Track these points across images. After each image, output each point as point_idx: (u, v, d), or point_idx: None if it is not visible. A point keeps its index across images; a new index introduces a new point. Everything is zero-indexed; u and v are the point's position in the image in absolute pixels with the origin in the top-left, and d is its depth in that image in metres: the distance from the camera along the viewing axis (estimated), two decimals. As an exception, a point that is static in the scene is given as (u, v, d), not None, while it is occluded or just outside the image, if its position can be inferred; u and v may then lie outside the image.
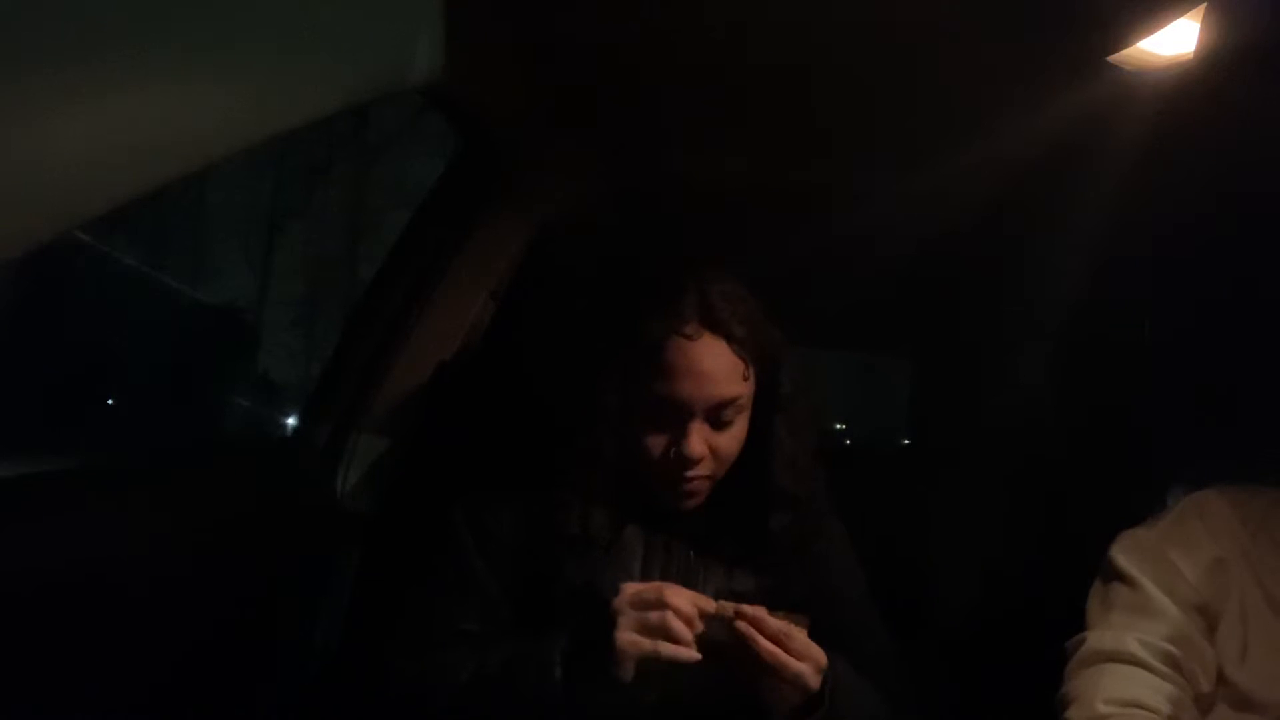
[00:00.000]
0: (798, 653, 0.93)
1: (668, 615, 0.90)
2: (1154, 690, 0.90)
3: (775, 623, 0.93)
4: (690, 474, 1.02)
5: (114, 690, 0.95)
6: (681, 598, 0.92)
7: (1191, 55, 1.02)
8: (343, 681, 1.29)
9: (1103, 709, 0.89)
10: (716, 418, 1.02)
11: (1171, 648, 0.93)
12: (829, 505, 1.18)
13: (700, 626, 0.92)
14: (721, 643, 0.93)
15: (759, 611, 0.94)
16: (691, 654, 0.90)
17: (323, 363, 1.67)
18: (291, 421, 9.38)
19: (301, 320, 11.65)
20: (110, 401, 8.82)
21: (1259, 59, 1.00)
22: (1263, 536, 0.99)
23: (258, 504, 1.26)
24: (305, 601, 1.37)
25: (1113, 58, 1.06)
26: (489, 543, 1.07)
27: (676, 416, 1.01)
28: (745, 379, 1.03)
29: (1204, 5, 0.94)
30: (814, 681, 0.95)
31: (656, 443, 1.02)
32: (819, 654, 0.95)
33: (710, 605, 0.94)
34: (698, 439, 1.01)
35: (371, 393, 1.46)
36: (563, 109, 1.37)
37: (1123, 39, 1.02)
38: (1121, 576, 1.00)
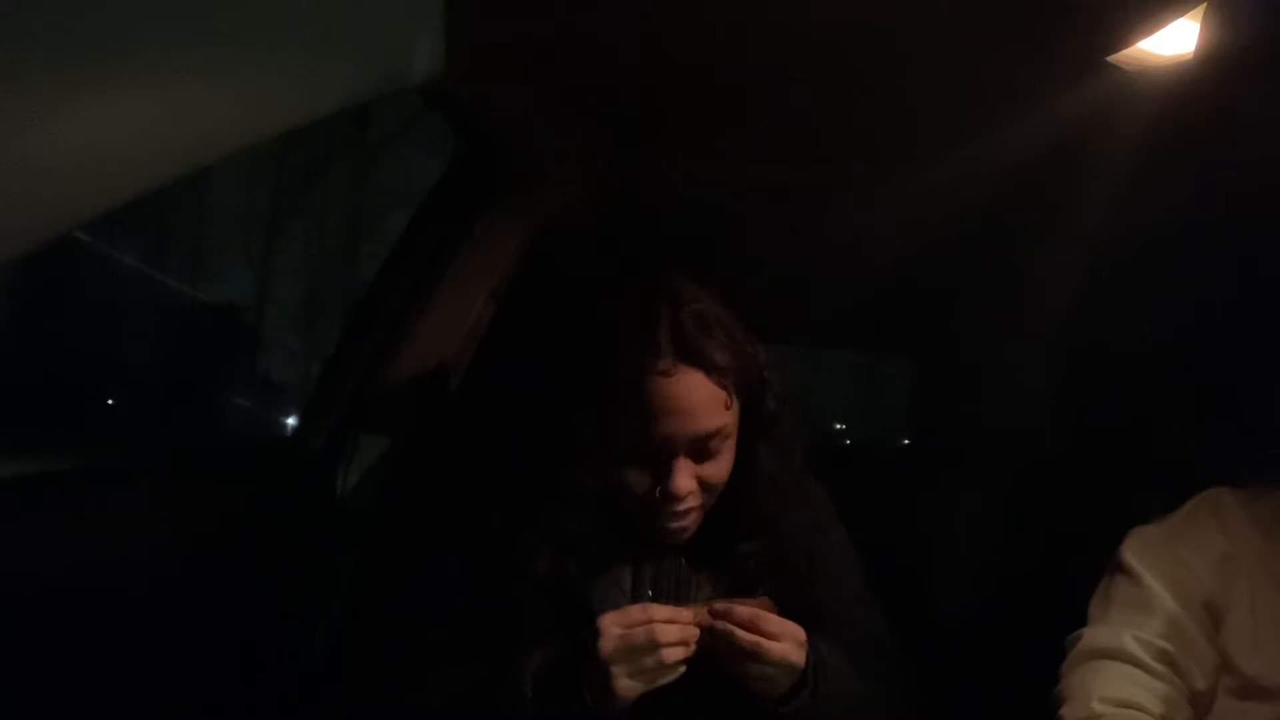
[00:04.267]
0: (774, 633, 0.93)
1: (663, 654, 0.90)
2: (1148, 690, 0.90)
3: (744, 610, 0.94)
4: (679, 509, 0.99)
5: (113, 690, 0.95)
6: (670, 631, 0.91)
7: (1191, 55, 1.02)
8: (340, 685, 1.29)
9: (1098, 708, 0.89)
10: (702, 450, 0.98)
11: (1167, 645, 0.93)
12: (822, 506, 1.17)
13: (694, 648, 0.92)
14: (702, 646, 0.93)
15: (725, 605, 0.94)
16: (679, 670, 0.92)
17: (323, 363, 1.66)
18: (291, 421, 9.39)
19: (301, 320, 11.65)
20: (110, 401, 8.83)
21: (1259, 59, 1.00)
22: (1275, 535, 0.99)
23: (257, 504, 1.26)
24: (304, 601, 1.37)
25: (1113, 58, 1.06)
26: (472, 564, 1.04)
27: (660, 455, 0.97)
28: (728, 407, 0.99)
29: (1204, 5, 0.94)
30: (798, 656, 0.95)
31: (641, 482, 0.99)
32: (795, 629, 0.95)
33: (688, 616, 0.93)
34: (683, 475, 0.97)
35: (371, 393, 1.46)
36: (563, 109, 1.37)
37: (1123, 39, 1.02)
38: (1125, 571, 1.00)
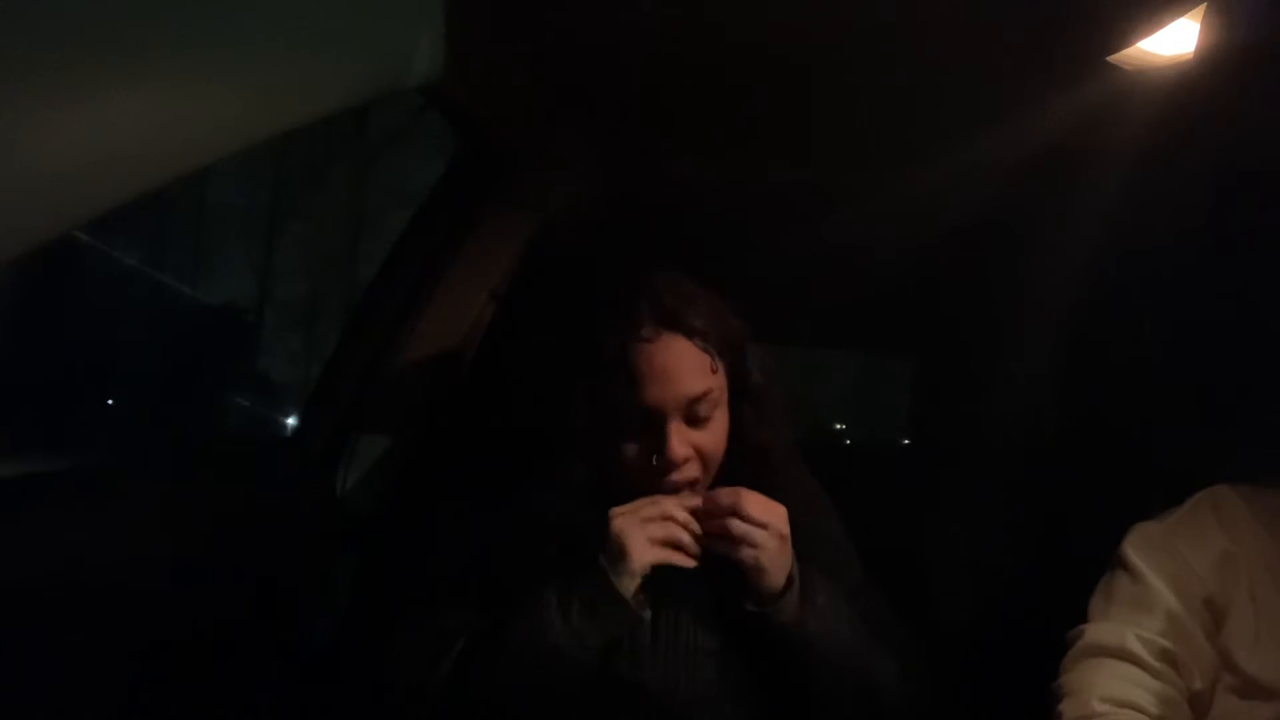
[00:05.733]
0: (763, 504, 0.98)
1: (674, 527, 0.95)
2: (1148, 690, 0.90)
3: (724, 491, 0.98)
4: (677, 478, 1.01)
5: (113, 690, 0.96)
6: (681, 510, 0.96)
7: (1191, 55, 1.02)
8: (341, 681, 1.29)
9: (1098, 707, 0.89)
10: (693, 415, 1.00)
11: (1169, 644, 0.93)
12: (818, 496, 1.18)
13: (699, 529, 0.96)
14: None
15: (710, 494, 0.99)
16: (691, 560, 0.96)
17: (323, 363, 1.66)
18: (291, 421, 9.39)
19: (301, 320, 11.65)
20: (110, 401, 8.83)
21: (1259, 59, 1.00)
22: (1278, 533, 0.99)
23: (257, 504, 1.26)
24: (305, 601, 1.37)
25: (1113, 58, 1.06)
26: (480, 546, 1.06)
27: (652, 422, 0.99)
28: (714, 371, 1.02)
29: (1204, 5, 0.94)
30: (785, 524, 0.98)
31: (637, 453, 1.01)
32: (776, 504, 0.99)
33: (696, 501, 0.98)
34: (678, 441, 0.99)
35: (371, 393, 1.46)
36: (563, 109, 1.37)
37: (1123, 39, 1.02)
38: (1126, 568, 1.00)
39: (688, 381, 0.99)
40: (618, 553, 0.93)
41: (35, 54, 0.43)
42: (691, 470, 1.02)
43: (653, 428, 0.99)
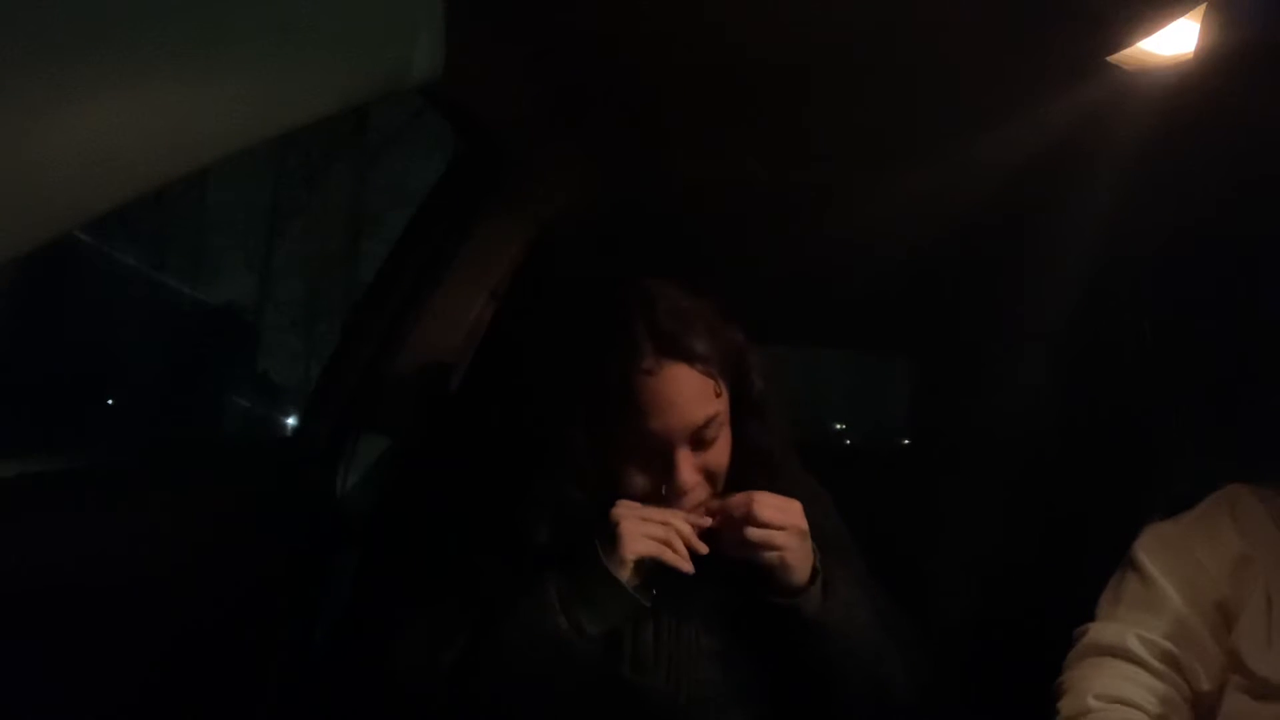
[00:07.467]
0: (777, 505, 0.97)
1: (670, 531, 0.94)
2: (1146, 689, 0.90)
3: (737, 500, 0.98)
4: (687, 506, 1.00)
5: (114, 689, 0.96)
6: (685, 525, 0.96)
7: (1191, 55, 1.02)
8: (342, 680, 1.29)
9: (1092, 704, 0.89)
10: (699, 439, 0.99)
11: (1171, 646, 0.93)
12: (816, 492, 1.17)
13: (704, 548, 0.96)
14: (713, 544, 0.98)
15: (722, 504, 0.98)
16: (689, 565, 0.95)
17: (323, 363, 1.66)
18: (291, 421, 9.40)
19: (301, 320, 11.65)
20: (110, 401, 8.83)
21: (1259, 59, 1.00)
22: None
23: (258, 504, 1.26)
24: (305, 601, 1.37)
25: (1113, 58, 1.06)
26: (478, 545, 1.06)
27: (660, 452, 0.98)
28: (718, 394, 1.00)
29: (1204, 5, 0.94)
30: (802, 520, 0.98)
31: (645, 482, 1.00)
32: (790, 501, 0.99)
33: (706, 522, 0.98)
34: (686, 468, 0.98)
35: (371, 393, 1.46)
36: (563, 109, 1.37)
37: (1123, 39, 1.02)
38: (1137, 569, 1.00)
39: (693, 410, 0.98)
40: (611, 538, 0.94)
41: (35, 54, 0.43)
42: (700, 494, 1.01)
43: (659, 457, 0.99)
